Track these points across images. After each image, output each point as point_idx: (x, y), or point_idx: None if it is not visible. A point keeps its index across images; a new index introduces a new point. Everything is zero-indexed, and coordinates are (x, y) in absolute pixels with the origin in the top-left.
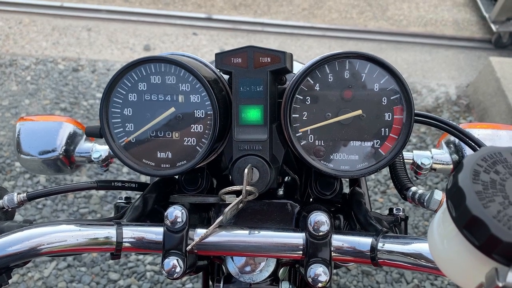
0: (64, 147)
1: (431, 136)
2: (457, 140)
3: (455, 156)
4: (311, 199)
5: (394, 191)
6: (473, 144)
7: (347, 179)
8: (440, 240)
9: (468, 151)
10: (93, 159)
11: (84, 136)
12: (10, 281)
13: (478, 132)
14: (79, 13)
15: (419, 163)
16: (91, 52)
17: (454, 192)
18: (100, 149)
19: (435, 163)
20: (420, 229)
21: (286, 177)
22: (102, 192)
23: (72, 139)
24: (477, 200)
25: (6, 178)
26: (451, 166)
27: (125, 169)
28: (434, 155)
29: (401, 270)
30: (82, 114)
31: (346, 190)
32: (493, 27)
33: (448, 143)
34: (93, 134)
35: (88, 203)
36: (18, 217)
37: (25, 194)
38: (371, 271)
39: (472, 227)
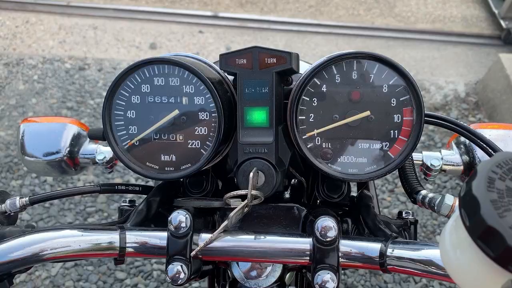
0: (68, 149)
1: (439, 134)
2: (467, 141)
3: (466, 157)
4: (318, 202)
5: (402, 190)
6: (485, 146)
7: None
8: (452, 249)
9: (478, 152)
10: (97, 160)
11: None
12: (16, 281)
13: (489, 132)
14: (85, 11)
15: (429, 164)
16: (98, 51)
17: (467, 201)
18: (104, 151)
19: (445, 164)
20: (429, 228)
21: (293, 180)
22: None
23: (76, 140)
24: (493, 210)
25: (13, 177)
26: (461, 168)
27: None
28: (444, 156)
29: (402, 274)
30: (88, 113)
31: (354, 189)
32: (503, 23)
33: (458, 144)
34: (96, 137)
35: (95, 201)
36: (25, 215)
37: (27, 198)
38: (378, 271)
39: (487, 238)
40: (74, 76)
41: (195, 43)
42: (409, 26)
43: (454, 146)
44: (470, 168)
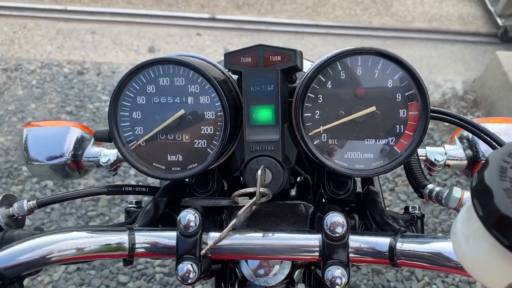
0: (72, 152)
1: (438, 133)
2: (470, 135)
3: (469, 152)
4: (324, 199)
5: (402, 189)
6: (489, 140)
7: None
8: (465, 240)
9: (482, 146)
10: (101, 163)
11: (92, 140)
12: None
13: (493, 126)
14: (83, 16)
15: (433, 160)
16: (96, 55)
17: (480, 190)
18: (108, 153)
19: (448, 159)
20: (430, 227)
21: (298, 178)
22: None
23: (80, 144)
24: (506, 198)
25: (14, 183)
26: (465, 162)
27: (132, 171)
28: (448, 151)
29: (412, 267)
30: (88, 117)
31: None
32: (499, 21)
33: (461, 139)
34: (102, 139)
35: (96, 205)
36: (27, 221)
37: (35, 201)
38: (381, 270)
39: (501, 227)
40: (72, 80)
41: (193, 45)
42: (406, 25)
43: (457, 141)
44: (473, 162)
